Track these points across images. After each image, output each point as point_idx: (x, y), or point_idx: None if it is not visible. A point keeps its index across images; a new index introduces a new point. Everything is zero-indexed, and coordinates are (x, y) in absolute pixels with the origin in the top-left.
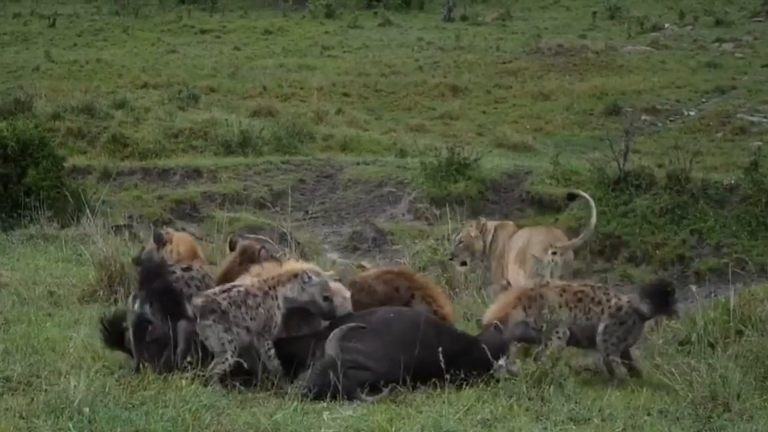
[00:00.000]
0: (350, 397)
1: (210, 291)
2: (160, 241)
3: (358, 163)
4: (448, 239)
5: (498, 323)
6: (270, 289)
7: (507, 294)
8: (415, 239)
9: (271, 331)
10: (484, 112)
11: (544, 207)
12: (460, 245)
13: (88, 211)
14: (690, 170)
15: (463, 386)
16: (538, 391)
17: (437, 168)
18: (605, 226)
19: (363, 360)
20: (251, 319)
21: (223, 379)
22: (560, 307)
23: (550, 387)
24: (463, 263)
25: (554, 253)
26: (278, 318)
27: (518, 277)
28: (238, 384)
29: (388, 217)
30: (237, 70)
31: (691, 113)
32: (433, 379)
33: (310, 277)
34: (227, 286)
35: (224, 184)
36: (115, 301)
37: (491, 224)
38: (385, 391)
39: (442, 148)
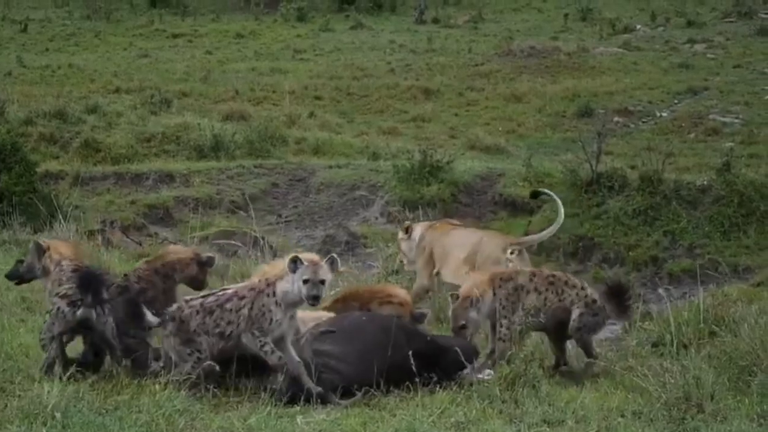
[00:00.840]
0: (324, 401)
1: (189, 297)
2: (40, 250)
3: (330, 167)
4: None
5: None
6: (267, 286)
7: (480, 274)
8: (388, 242)
9: (264, 328)
10: (456, 115)
11: (516, 209)
12: (397, 245)
13: (60, 216)
14: (663, 171)
15: (437, 389)
16: (511, 393)
17: (410, 171)
18: (578, 228)
19: (334, 363)
20: (228, 323)
21: (196, 384)
22: (529, 292)
23: (523, 389)
24: (401, 262)
25: (512, 252)
26: (277, 315)
27: (464, 278)
28: (211, 388)
29: (361, 221)
30: (209, 74)
31: (664, 114)
32: (406, 383)
33: (298, 261)
34: (210, 291)
35: (197, 188)
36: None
37: (419, 226)
38: (359, 394)
39: (415, 151)
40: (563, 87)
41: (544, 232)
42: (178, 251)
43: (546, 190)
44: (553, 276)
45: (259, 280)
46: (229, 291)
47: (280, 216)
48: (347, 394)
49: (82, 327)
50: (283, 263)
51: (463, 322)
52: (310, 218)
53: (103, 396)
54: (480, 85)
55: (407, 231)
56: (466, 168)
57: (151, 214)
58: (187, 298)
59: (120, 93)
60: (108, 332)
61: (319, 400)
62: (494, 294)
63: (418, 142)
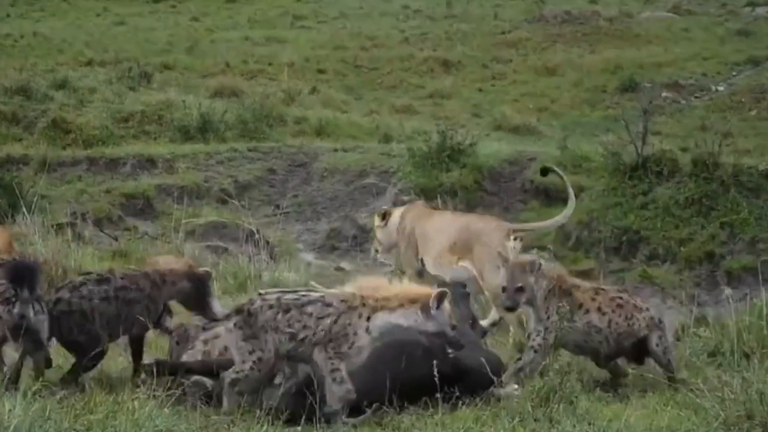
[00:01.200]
0: (328, 420)
1: (265, 291)
2: None
3: (335, 150)
4: None
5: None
6: (362, 306)
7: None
8: None
9: (342, 351)
10: (480, 90)
11: (550, 199)
12: (372, 235)
13: (24, 207)
14: (719, 154)
15: (459, 406)
16: (545, 410)
17: (427, 155)
18: (621, 220)
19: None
20: (303, 326)
21: (183, 399)
22: (589, 311)
23: (559, 405)
24: (376, 250)
25: (515, 239)
26: (362, 342)
27: (449, 267)
28: (199, 404)
29: (371, 212)
30: (195, 44)
31: (720, 89)
32: (424, 399)
33: (439, 305)
34: (292, 288)
35: (182, 175)
36: None
37: (396, 211)
38: (368, 412)
39: (432, 132)
40: (603, 58)
41: (551, 221)
42: (170, 262)
43: (556, 168)
44: (620, 298)
45: (354, 294)
46: (315, 294)
47: (277, 207)
48: (355, 410)
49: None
50: (381, 281)
51: (521, 285)
52: (313, 209)
53: (73, 415)
54: (507, 56)
55: (384, 217)
56: (491, 151)
57: (128, 204)
58: (263, 291)
59: (93, 66)
60: (43, 333)
61: (322, 419)
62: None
63: (436, 122)
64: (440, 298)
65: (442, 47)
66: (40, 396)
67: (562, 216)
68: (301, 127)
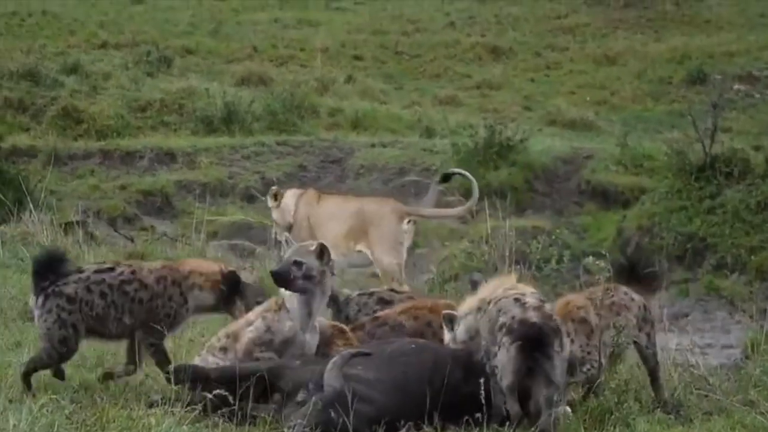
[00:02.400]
0: None
1: None
2: None
3: (373, 145)
4: (487, 241)
5: None
6: None
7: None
8: (445, 241)
9: None
10: (532, 81)
11: (608, 201)
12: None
13: (31, 204)
14: None
15: (505, 426)
16: None
17: (473, 151)
18: (686, 226)
19: (365, 390)
20: None
21: (203, 416)
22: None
23: (615, 428)
24: (276, 232)
25: (409, 222)
26: None
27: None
28: (221, 421)
29: None
30: (220, 26)
31: None
32: (466, 418)
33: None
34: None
35: (204, 170)
36: None
37: (289, 193)
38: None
39: (479, 126)
40: (669, 46)
41: (448, 211)
42: (201, 265)
43: (458, 170)
44: (616, 303)
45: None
46: None
47: None
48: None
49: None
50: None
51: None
52: None
53: (83, 431)
54: (563, 43)
55: (276, 197)
56: (543, 148)
57: (145, 202)
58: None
59: (107, 48)
60: (43, 329)
61: None
62: (571, 341)
63: (484, 115)
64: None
65: (491, 32)
66: (47, 410)
67: (463, 208)
68: (335, 120)
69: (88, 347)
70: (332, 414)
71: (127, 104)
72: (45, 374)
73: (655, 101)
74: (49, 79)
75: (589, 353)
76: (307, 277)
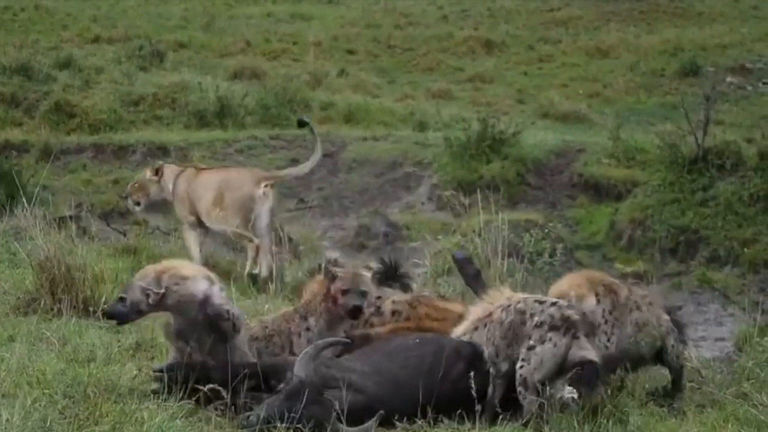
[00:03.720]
0: (322, 428)
1: None
2: None
3: (365, 139)
4: (480, 235)
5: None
6: None
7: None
8: (438, 234)
9: None
10: (525, 74)
11: (600, 194)
12: (135, 185)
13: (24, 198)
14: None
15: (498, 420)
16: (593, 426)
17: (465, 144)
18: (679, 218)
19: (358, 380)
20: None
21: (197, 410)
22: (632, 310)
23: (608, 421)
24: (137, 203)
25: (266, 186)
26: None
27: (222, 221)
28: (215, 415)
29: (404, 207)
30: (213, 20)
31: None
32: (459, 411)
33: None
34: None
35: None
36: (59, 312)
37: (168, 169)
38: (370, 421)
39: (472, 120)
40: (662, 38)
41: (299, 167)
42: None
43: (307, 119)
44: (647, 295)
45: None
46: None
47: (302, 201)
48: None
49: None
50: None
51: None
52: (340, 204)
53: (76, 426)
54: (556, 36)
55: (157, 173)
56: (536, 141)
57: None
58: None
59: (100, 43)
60: None
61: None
62: (597, 301)
63: (477, 109)
64: None
65: (484, 26)
66: (40, 405)
67: (310, 162)
68: (328, 113)
69: (81, 341)
70: (293, 404)
71: (120, 98)
72: (37, 369)
73: (648, 94)
74: (42, 74)
75: (606, 322)
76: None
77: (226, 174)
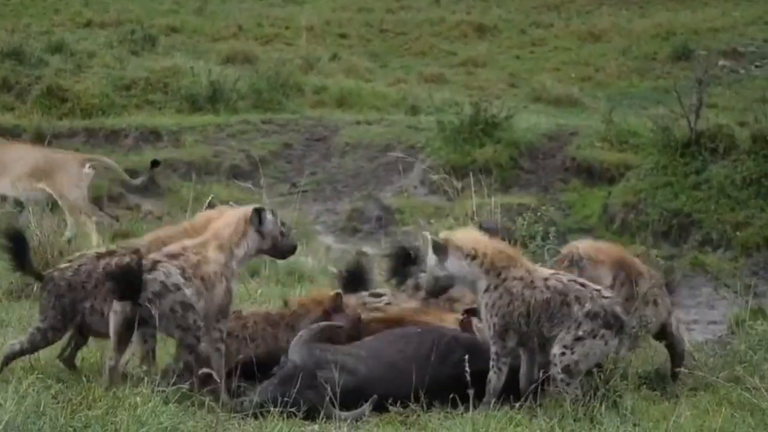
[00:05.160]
0: (315, 412)
1: None
2: None
3: (358, 123)
4: (473, 218)
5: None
6: None
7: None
8: (431, 218)
9: None
10: (517, 58)
11: (593, 177)
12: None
13: None
14: None
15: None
16: (586, 409)
17: (458, 128)
18: (672, 202)
19: (352, 362)
20: None
21: (190, 394)
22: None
23: (601, 404)
24: None
25: (90, 167)
26: None
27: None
28: (208, 400)
29: (396, 191)
30: (205, 4)
31: None
32: (452, 395)
33: None
34: None
35: (189, 149)
36: None
37: None
38: (364, 406)
39: (465, 104)
40: (654, 22)
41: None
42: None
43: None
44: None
45: None
46: None
47: (294, 185)
48: (380, 407)
49: None
50: None
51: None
52: (332, 188)
53: (70, 410)
54: (548, 20)
55: None
56: (529, 125)
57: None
58: None
59: (92, 27)
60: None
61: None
62: (614, 278)
63: (469, 93)
64: None
65: (477, 10)
66: (33, 390)
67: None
68: (320, 98)
69: None
70: (287, 388)
71: (112, 83)
72: (31, 355)
73: (640, 77)
74: (34, 58)
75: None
76: None
77: (48, 152)
